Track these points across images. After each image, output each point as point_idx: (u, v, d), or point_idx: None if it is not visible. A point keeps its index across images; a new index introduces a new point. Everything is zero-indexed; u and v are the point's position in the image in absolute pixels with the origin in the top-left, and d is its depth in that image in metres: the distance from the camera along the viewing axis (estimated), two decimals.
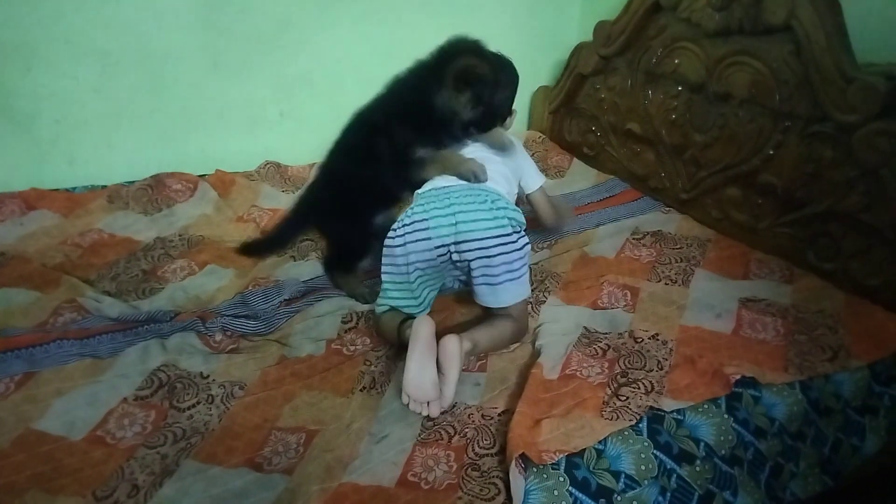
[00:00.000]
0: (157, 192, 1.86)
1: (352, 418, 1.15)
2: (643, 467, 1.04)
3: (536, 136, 2.49)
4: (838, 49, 1.47)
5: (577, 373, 1.26)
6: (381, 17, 2.14)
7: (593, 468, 1.03)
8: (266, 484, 1.02)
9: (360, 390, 1.22)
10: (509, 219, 1.34)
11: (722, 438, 1.13)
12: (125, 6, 1.76)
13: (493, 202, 1.35)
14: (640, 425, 1.11)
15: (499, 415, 1.17)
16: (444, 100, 1.36)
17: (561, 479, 0.99)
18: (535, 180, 1.63)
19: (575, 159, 2.37)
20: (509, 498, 0.99)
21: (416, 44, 2.24)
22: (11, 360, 1.19)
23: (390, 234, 1.36)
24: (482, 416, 1.16)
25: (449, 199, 1.34)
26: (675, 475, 1.06)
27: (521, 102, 2.61)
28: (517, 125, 2.12)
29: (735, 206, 1.82)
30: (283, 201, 1.94)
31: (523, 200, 1.64)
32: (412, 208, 1.37)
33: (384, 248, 1.37)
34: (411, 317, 1.29)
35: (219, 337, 1.32)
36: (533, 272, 1.60)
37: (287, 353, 1.32)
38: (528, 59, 2.51)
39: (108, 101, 1.85)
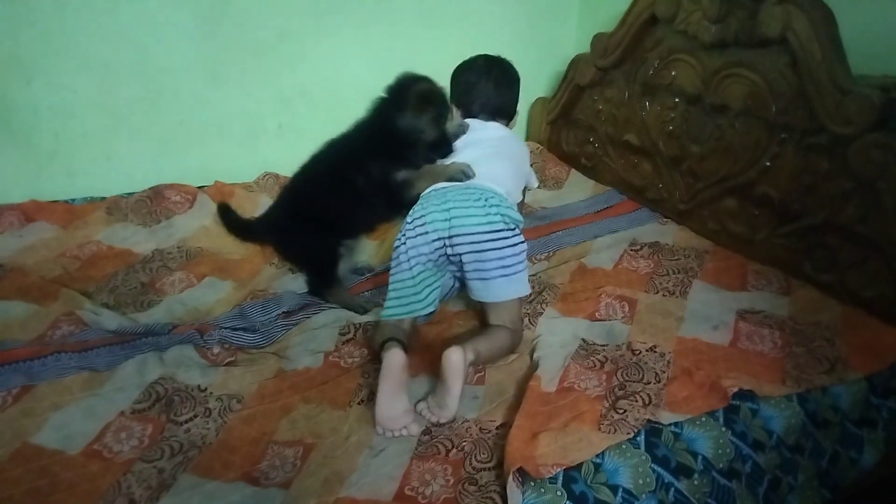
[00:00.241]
0: (155, 203, 1.86)
1: (349, 431, 1.15)
2: (641, 481, 1.04)
3: (534, 147, 2.49)
4: (834, 61, 1.48)
5: (575, 385, 1.26)
6: (380, 29, 2.15)
7: (591, 482, 1.03)
8: (263, 498, 1.01)
9: (358, 403, 1.22)
10: (502, 216, 1.37)
11: (720, 452, 1.13)
12: (125, 19, 1.77)
13: (486, 200, 1.38)
14: (638, 438, 1.11)
15: (496, 428, 1.16)
16: (407, 122, 1.42)
17: (558, 493, 0.99)
18: (533, 181, 1.72)
19: (573, 170, 2.37)
20: None
21: (415, 56, 2.26)
22: (9, 373, 1.19)
23: (398, 238, 1.40)
24: (480, 429, 1.16)
25: (445, 196, 1.38)
26: (672, 489, 1.06)
27: (520, 113, 2.61)
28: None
29: (732, 218, 1.83)
30: None
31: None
32: (414, 209, 1.41)
33: (395, 251, 1.40)
34: (394, 339, 1.26)
35: (217, 350, 1.32)
36: (531, 283, 1.59)
37: (285, 365, 1.32)
38: (526, 70, 2.50)
39: (108, 113, 1.86)
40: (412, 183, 1.47)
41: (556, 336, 1.42)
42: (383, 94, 1.46)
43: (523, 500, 0.97)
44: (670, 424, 1.15)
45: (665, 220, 2.01)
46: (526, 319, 1.49)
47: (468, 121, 1.59)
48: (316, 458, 1.09)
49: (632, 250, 1.80)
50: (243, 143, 2.09)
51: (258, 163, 2.10)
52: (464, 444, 1.12)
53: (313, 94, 2.12)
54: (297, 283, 1.62)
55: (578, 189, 2.25)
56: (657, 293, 1.60)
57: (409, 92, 1.42)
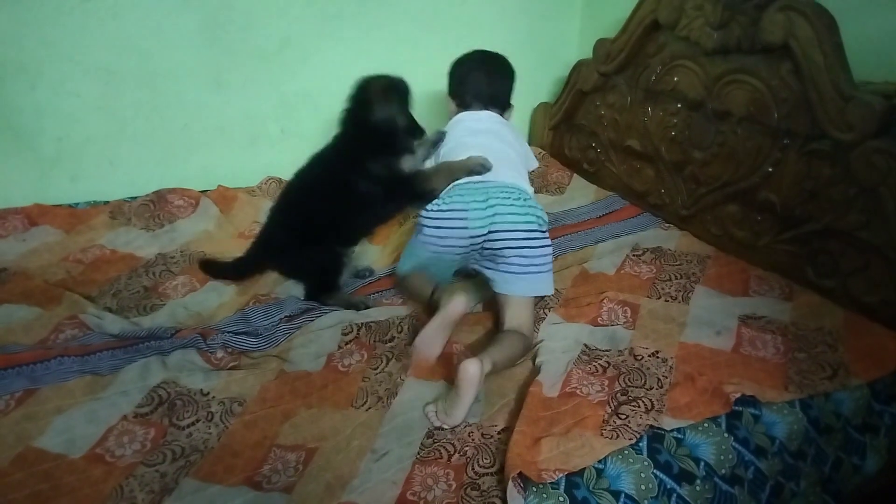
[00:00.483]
0: (158, 207, 1.87)
1: (352, 435, 1.15)
2: (643, 487, 1.04)
3: (537, 152, 2.47)
4: (836, 68, 1.48)
5: (578, 390, 1.26)
6: (382, 34, 2.16)
7: (593, 488, 1.03)
8: (266, 503, 1.01)
9: (361, 406, 1.22)
10: (537, 217, 1.47)
11: (722, 458, 1.13)
12: (128, 25, 1.78)
13: (524, 200, 1.48)
14: (640, 444, 1.11)
15: (498, 433, 1.16)
16: (380, 114, 1.49)
17: (561, 498, 1.00)
18: (532, 163, 1.76)
19: (575, 175, 2.38)
20: None
21: (417, 61, 2.27)
22: (12, 376, 1.19)
23: (425, 214, 1.47)
24: (482, 434, 1.16)
25: (487, 192, 1.46)
26: (675, 495, 1.06)
27: (522, 118, 2.63)
28: None
29: (734, 223, 1.83)
30: None
31: None
32: (450, 195, 1.48)
33: (422, 222, 1.48)
34: (453, 287, 1.42)
35: (220, 354, 1.32)
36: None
37: (287, 368, 1.32)
38: (529, 75, 2.53)
39: (111, 118, 1.87)
40: (429, 177, 1.52)
41: (559, 341, 1.42)
42: (347, 105, 1.53)
43: None
44: (673, 430, 1.15)
45: (667, 225, 2.01)
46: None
47: (461, 115, 1.67)
48: (318, 463, 1.09)
49: (634, 255, 1.80)
50: (246, 148, 2.10)
51: (261, 167, 2.11)
52: (466, 448, 1.12)
53: (315, 98, 2.13)
54: (299, 288, 1.62)
55: (581, 194, 2.25)
56: (659, 298, 1.60)
57: (371, 88, 1.50)
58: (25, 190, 1.81)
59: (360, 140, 1.50)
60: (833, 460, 1.27)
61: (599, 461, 1.07)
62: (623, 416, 1.18)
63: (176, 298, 1.56)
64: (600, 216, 2.09)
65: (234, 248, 1.78)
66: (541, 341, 1.43)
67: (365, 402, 1.23)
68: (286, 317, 1.47)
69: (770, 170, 1.69)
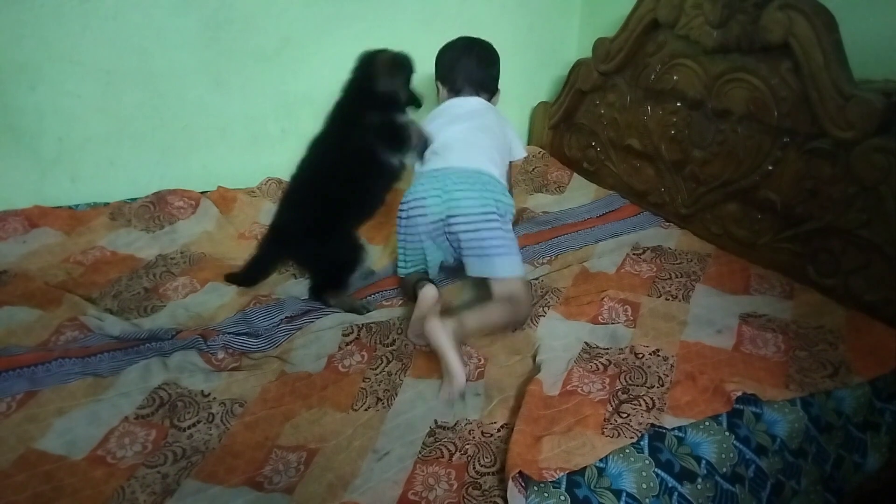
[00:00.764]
0: (159, 209, 1.87)
1: (353, 436, 1.15)
2: (644, 486, 1.04)
3: (536, 152, 2.50)
4: (836, 66, 1.48)
5: (578, 389, 1.26)
6: (381, 34, 2.15)
7: (594, 487, 1.03)
8: (267, 503, 1.01)
9: (362, 406, 1.22)
10: (496, 201, 1.51)
11: (723, 456, 1.13)
12: (129, 26, 1.78)
13: (483, 184, 1.51)
14: (642, 443, 1.11)
15: (498, 430, 1.16)
16: (383, 85, 1.53)
17: (562, 497, 0.99)
18: (518, 152, 1.77)
19: (575, 174, 2.38)
20: None
21: (417, 61, 2.27)
22: (13, 378, 1.19)
23: (401, 207, 1.57)
24: (482, 432, 1.16)
25: (444, 179, 1.51)
26: (676, 494, 1.06)
27: (521, 117, 2.63)
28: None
29: (735, 222, 1.83)
30: None
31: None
32: (414, 186, 1.57)
33: (398, 218, 1.58)
34: (426, 279, 1.52)
35: (221, 355, 1.32)
36: (533, 287, 1.61)
37: (288, 369, 1.32)
38: (528, 74, 2.55)
39: (111, 119, 1.87)
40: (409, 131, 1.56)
41: (559, 339, 1.43)
42: (351, 75, 1.57)
43: None
44: (674, 429, 1.15)
45: (667, 224, 2.01)
46: (528, 321, 1.49)
47: (450, 101, 1.72)
48: (319, 463, 1.09)
49: (634, 254, 1.80)
50: (246, 149, 2.10)
51: (261, 168, 2.11)
52: (467, 447, 1.12)
53: (316, 99, 2.11)
54: (299, 289, 1.62)
55: (581, 193, 2.25)
56: (660, 297, 1.60)
57: (376, 62, 1.54)
58: (25, 191, 1.81)
59: (362, 102, 1.55)
60: (834, 458, 1.27)
61: (601, 460, 1.07)
62: (624, 415, 1.18)
63: (176, 300, 1.56)
64: (600, 215, 2.09)
65: (234, 249, 1.78)
66: (541, 339, 1.43)
67: (365, 403, 1.23)
68: (287, 317, 1.47)
69: (770, 168, 1.69)
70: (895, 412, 1.33)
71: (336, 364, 1.34)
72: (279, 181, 2.10)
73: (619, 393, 1.25)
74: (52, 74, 1.74)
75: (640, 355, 1.36)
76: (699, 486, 1.08)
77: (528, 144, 2.62)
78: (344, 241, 1.55)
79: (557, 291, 1.62)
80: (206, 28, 1.88)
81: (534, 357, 1.38)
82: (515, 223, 1.80)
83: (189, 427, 1.15)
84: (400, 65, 1.56)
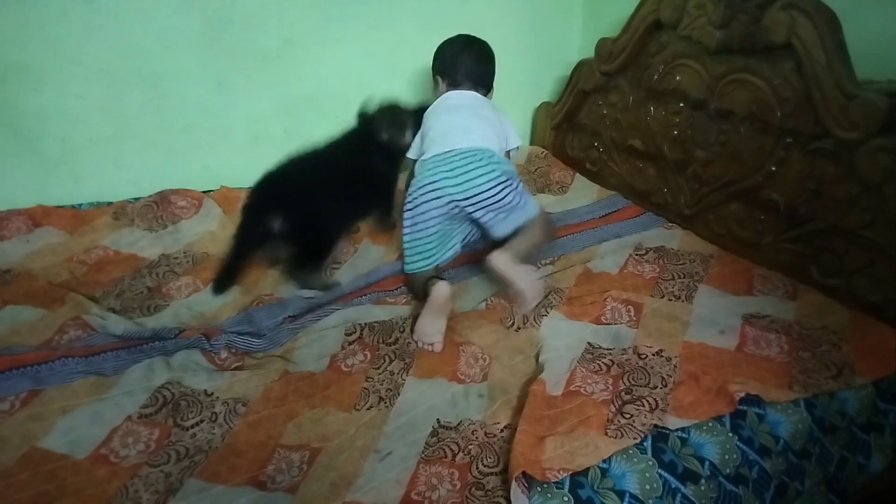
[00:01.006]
0: (162, 208, 1.87)
1: (355, 435, 1.15)
2: (648, 487, 1.04)
3: (539, 152, 2.50)
4: (839, 66, 1.48)
5: (582, 389, 1.26)
6: (384, 35, 2.16)
7: (597, 487, 1.03)
8: (270, 503, 1.01)
9: (364, 406, 1.22)
10: (503, 171, 1.60)
11: (727, 457, 1.12)
12: (132, 27, 1.78)
13: (489, 158, 1.59)
14: (645, 444, 1.11)
15: (501, 431, 1.16)
16: (391, 140, 1.78)
17: (565, 498, 0.99)
18: (514, 140, 1.82)
19: (577, 175, 2.38)
20: None
21: (419, 62, 2.28)
22: (17, 377, 1.19)
23: (407, 202, 1.62)
24: (485, 433, 1.16)
25: (452, 162, 1.58)
26: (679, 495, 1.06)
27: (524, 118, 2.63)
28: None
29: (738, 222, 1.83)
30: None
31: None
32: (421, 173, 1.61)
33: (405, 214, 1.63)
34: (438, 277, 1.52)
35: (224, 354, 1.32)
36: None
37: (290, 368, 1.32)
38: (530, 75, 2.55)
39: (114, 119, 1.87)
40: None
41: (562, 339, 1.42)
42: (365, 121, 1.77)
43: None
44: (677, 429, 1.15)
45: (670, 224, 2.01)
46: (531, 317, 1.50)
47: (448, 93, 1.78)
48: (322, 462, 1.09)
49: (637, 255, 1.80)
50: (249, 149, 2.10)
51: (263, 168, 2.09)
52: (470, 447, 1.12)
53: (319, 100, 2.13)
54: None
55: (583, 194, 2.25)
56: (663, 297, 1.60)
57: (384, 120, 1.77)
58: (29, 191, 1.82)
59: (370, 147, 1.75)
60: (838, 459, 1.27)
61: (604, 461, 1.07)
62: (627, 416, 1.17)
63: (179, 299, 1.56)
64: (603, 216, 2.09)
65: None
66: (544, 339, 1.43)
67: (368, 402, 1.23)
68: (289, 317, 1.47)
69: (773, 169, 1.69)
70: None
71: (339, 363, 1.34)
72: None
73: (623, 393, 1.25)
74: (55, 75, 1.75)
75: (644, 356, 1.36)
76: (702, 487, 1.08)
77: (531, 145, 2.62)
78: (337, 228, 1.69)
79: (560, 291, 1.62)
80: (208, 29, 1.88)
81: (536, 357, 1.38)
82: None
83: (192, 426, 1.15)
84: (404, 123, 1.79)
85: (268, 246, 1.62)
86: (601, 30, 2.25)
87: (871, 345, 1.38)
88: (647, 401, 1.22)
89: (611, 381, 1.29)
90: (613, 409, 1.20)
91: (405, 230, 1.64)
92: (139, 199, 1.89)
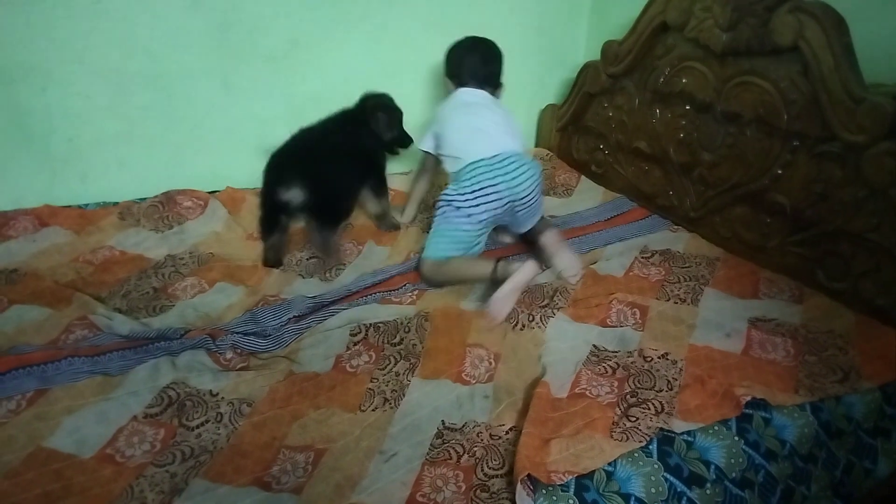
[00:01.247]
0: (167, 209, 1.87)
1: (360, 436, 1.15)
2: (653, 490, 1.04)
3: (544, 154, 2.50)
4: (846, 69, 1.48)
5: (587, 392, 1.26)
6: (389, 36, 2.16)
7: (603, 490, 1.02)
8: (275, 503, 1.02)
9: (369, 407, 1.22)
10: (539, 172, 1.76)
11: (732, 461, 1.12)
12: (138, 27, 1.78)
13: (527, 162, 1.73)
14: (650, 447, 1.11)
15: (506, 433, 1.16)
16: (382, 132, 1.92)
17: (570, 501, 0.99)
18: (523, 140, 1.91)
19: (583, 177, 2.38)
20: None
21: (424, 63, 2.28)
22: (23, 377, 1.19)
23: (460, 199, 1.68)
24: (490, 435, 1.16)
25: (504, 166, 1.68)
26: (685, 499, 1.05)
27: (529, 120, 2.63)
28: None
29: (744, 225, 1.82)
30: None
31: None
32: (472, 175, 1.68)
33: (451, 210, 1.69)
34: (501, 258, 1.63)
35: (229, 355, 1.33)
36: (542, 289, 1.62)
37: (295, 369, 1.32)
38: (536, 77, 2.55)
39: (121, 119, 1.87)
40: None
41: (567, 342, 1.43)
42: (358, 111, 1.91)
43: None
44: (683, 433, 1.15)
45: (676, 227, 2.01)
46: (537, 318, 1.50)
47: (459, 90, 1.87)
48: (327, 463, 1.09)
49: (643, 257, 1.79)
50: (255, 149, 2.09)
51: None
52: (475, 449, 1.12)
53: (324, 100, 2.12)
54: (307, 288, 1.63)
55: (589, 196, 2.25)
56: (668, 300, 1.59)
57: (377, 115, 1.89)
58: (36, 191, 1.83)
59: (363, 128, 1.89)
60: (844, 464, 1.27)
61: (609, 464, 1.07)
62: (633, 419, 1.17)
63: (185, 299, 1.56)
64: (608, 218, 2.08)
65: (242, 250, 1.79)
66: (549, 341, 1.43)
67: (372, 403, 1.23)
68: (294, 317, 1.47)
69: (779, 172, 1.68)
70: None
71: (344, 364, 1.34)
72: None
73: (628, 396, 1.24)
74: (63, 76, 1.75)
75: (649, 358, 1.36)
76: (708, 491, 1.07)
77: (536, 147, 2.62)
78: (352, 196, 1.87)
79: (566, 293, 1.61)
80: (214, 30, 1.89)
81: (539, 357, 1.37)
82: None
83: (197, 426, 1.15)
84: (395, 118, 1.94)
85: (289, 215, 1.77)
86: (607, 32, 2.25)
87: (877, 349, 1.38)
88: (653, 404, 1.21)
89: (616, 383, 1.29)
90: (619, 412, 1.20)
91: (449, 222, 1.69)
92: (145, 199, 1.90)
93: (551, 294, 1.59)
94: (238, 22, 1.91)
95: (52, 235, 1.72)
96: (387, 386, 1.28)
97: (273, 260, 1.75)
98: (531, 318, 1.50)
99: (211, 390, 1.23)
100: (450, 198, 1.69)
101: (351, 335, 1.40)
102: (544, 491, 1.00)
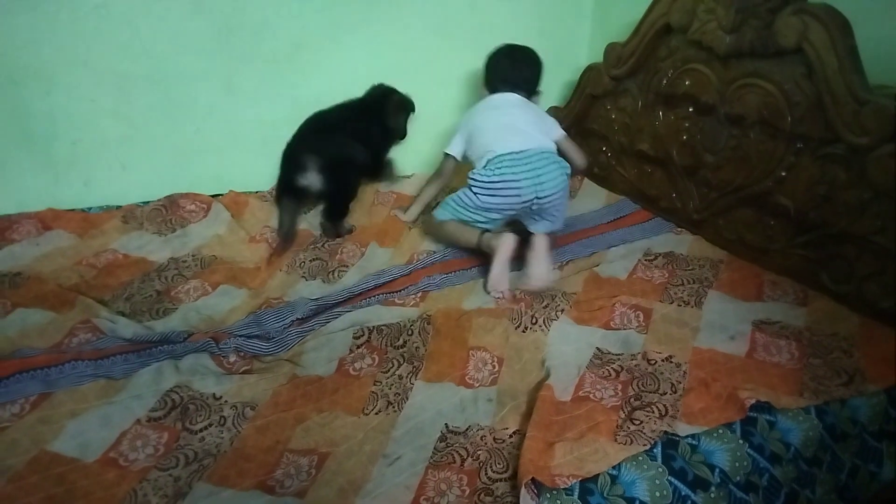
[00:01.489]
0: (171, 212, 1.88)
1: (364, 440, 1.15)
2: (658, 494, 1.03)
3: None
4: (850, 71, 1.47)
5: (591, 395, 1.26)
6: (393, 39, 2.16)
7: (607, 494, 1.02)
8: None
9: (373, 410, 1.22)
10: (567, 174, 1.76)
11: (737, 464, 1.11)
12: (143, 30, 1.79)
13: (557, 161, 1.74)
14: (655, 450, 1.10)
15: (510, 436, 1.16)
16: (391, 122, 2.09)
17: None
18: (558, 131, 1.96)
19: (586, 179, 2.37)
20: None
21: (427, 66, 2.28)
22: (27, 380, 1.19)
23: (480, 186, 1.72)
24: (494, 438, 1.16)
25: (531, 162, 1.70)
26: (689, 502, 1.05)
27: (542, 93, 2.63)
28: None
29: (748, 228, 1.82)
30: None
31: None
32: (498, 167, 1.70)
33: (472, 192, 1.74)
34: (487, 230, 1.74)
35: (232, 358, 1.33)
36: (546, 292, 1.62)
37: (299, 372, 1.32)
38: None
39: (124, 123, 1.88)
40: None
41: (570, 344, 1.42)
42: (371, 99, 2.07)
43: None
44: (687, 436, 1.14)
45: (679, 229, 2.00)
46: (540, 321, 1.50)
47: (490, 97, 1.93)
48: (331, 467, 1.09)
49: (646, 260, 1.79)
50: (258, 153, 2.10)
51: (272, 172, 2.11)
52: (479, 453, 1.12)
53: (327, 103, 2.13)
54: (309, 290, 1.63)
55: (591, 198, 2.25)
56: (672, 303, 1.59)
57: (391, 103, 2.06)
58: (39, 194, 1.83)
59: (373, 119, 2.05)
60: (849, 467, 1.26)
61: (613, 467, 1.06)
62: (637, 422, 1.17)
63: (188, 302, 1.56)
64: (611, 221, 2.08)
65: (245, 253, 1.80)
66: (552, 344, 1.42)
67: (376, 407, 1.23)
68: (297, 320, 1.47)
69: (783, 174, 1.68)
70: None
71: (347, 367, 1.34)
72: None
73: (632, 399, 1.24)
74: (66, 79, 1.76)
75: (653, 361, 1.36)
76: (713, 495, 1.07)
77: None
78: (356, 181, 2.03)
79: (568, 296, 1.61)
80: (218, 33, 1.89)
81: (543, 361, 1.37)
82: None
83: (201, 430, 1.15)
84: (405, 109, 2.10)
85: (302, 196, 1.95)
86: (610, 34, 2.24)
87: (882, 352, 1.37)
88: (657, 407, 1.21)
89: (620, 386, 1.28)
90: (623, 415, 1.20)
91: (469, 203, 1.74)
92: (148, 202, 1.90)
93: (552, 296, 1.60)
94: (241, 25, 1.91)
95: (55, 239, 1.72)
96: (390, 389, 1.28)
97: (287, 241, 1.86)
98: (534, 321, 1.50)
99: (214, 394, 1.23)
100: (473, 181, 1.73)
101: (354, 338, 1.40)
102: (548, 495, 0.99)
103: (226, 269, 1.70)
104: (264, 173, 2.11)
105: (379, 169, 2.18)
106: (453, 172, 1.97)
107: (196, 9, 1.83)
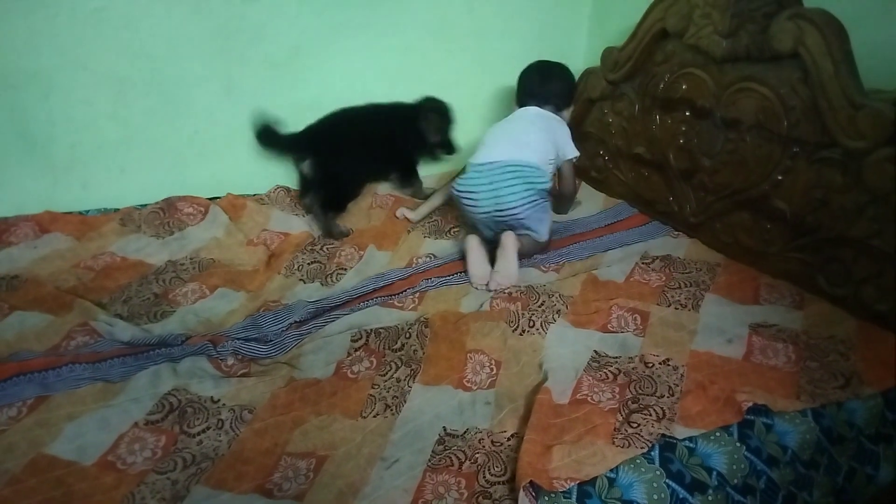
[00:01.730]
0: (168, 215, 1.88)
1: (362, 443, 1.15)
2: (655, 497, 1.03)
3: None
4: (846, 76, 1.48)
5: (589, 398, 1.26)
6: (391, 43, 2.17)
7: (605, 497, 1.02)
8: None
9: (371, 413, 1.22)
10: (538, 190, 1.76)
11: (734, 467, 1.12)
12: (141, 34, 1.79)
13: (522, 176, 1.74)
14: (652, 453, 1.10)
15: (508, 439, 1.16)
16: (429, 136, 2.15)
17: None
18: (569, 151, 1.96)
19: (583, 183, 2.38)
20: None
21: (426, 70, 2.29)
22: (24, 383, 1.19)
23: (454, 193, 1.84)
24: (492, 441, 1.16)
25: (490, 175, 1.75)
26: None
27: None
28: None
29: (744, 231, 1.82)
30: (293, 224, 1.97)
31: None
32: (463, 178, 1.81)
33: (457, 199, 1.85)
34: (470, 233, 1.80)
35: (230, 361, 1.33)
36: (540, 292, 1.62)
37: (297, 375, 1.32)
38: None
39: (123, 126, 1.88)
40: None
41: (567, 347, 1.42)
42: (413, 110, 2.11)
43: None
44: (685, 439, 1.14)
45: (676, 233, 2.01)
46: (538, 324, 1.50)
47: (515, 112, 1.99)
48: (329, 470, 1.09)
49: (643, 263, 1.79)
50: (256, 156, 2.11)
51: (270, 175, 2.12)
52: (477, 456, 1.12)
53: (326, 107, 2.13)
54: (308, 293, 1.63)
55: (589, 202, 2.25)
56: (669, 306, 1.59)
57: (428, 113, 2.10)
58: (37, 197, 1.83)
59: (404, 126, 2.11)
60: (846, 470, 1.26)
61: (611, 470, 1.06)
62: (635, 425, 1.17)
63: (186, 305, 1.56)
64: (608, 224, 2.09)
65: (243, 256, 1.79)
66: (549, 347, 1.42)
67: (374, 410, 1.23)
68: (295, 322, 1.47)
69: (780, 178, 1.68)
70: None
71: (345, 370, 1.34)
72: (288, 189, 2.11)
73: (629, 402, 1.24)
74: (65, 82, 1.76)
75: (650, 364, 1.36)
76: (710, 498, 1.07)
77: None
78: (360, 179, 2.10)
79: (566, 298, 1.61)
80: (217, 36, 1.90)
81: (540, 364, 1.37)
82: None
83: (199, 433, 1.15)
84: (446, 118, 2.14)
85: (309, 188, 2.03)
86: (607, 38, 2.26)
87: (879, 354, 1.38)
88: (655, 410, 1.21)
89: (617, 389, 1.29)
90: (620, 418, 1.20)
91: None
92: (146, 205, 1.90)
93: (550, 300, 1.59)
94: (240, 28, 1.92)
95: (53, 241, 1.72)
96: (388, 392, 1.28)
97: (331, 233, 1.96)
98: (532, 324, 1.50)
99: (212, 397, 1.23)
100: (451, 188, 1.86)
101: (352, 341, 1.40)
102: (546, 498, 0.99)
103: (224, 271, 1.70)
104: (262, 176, 2.11)
105: (408, 177, 2.22)
106: None
107: (195, 12, 1.84)
